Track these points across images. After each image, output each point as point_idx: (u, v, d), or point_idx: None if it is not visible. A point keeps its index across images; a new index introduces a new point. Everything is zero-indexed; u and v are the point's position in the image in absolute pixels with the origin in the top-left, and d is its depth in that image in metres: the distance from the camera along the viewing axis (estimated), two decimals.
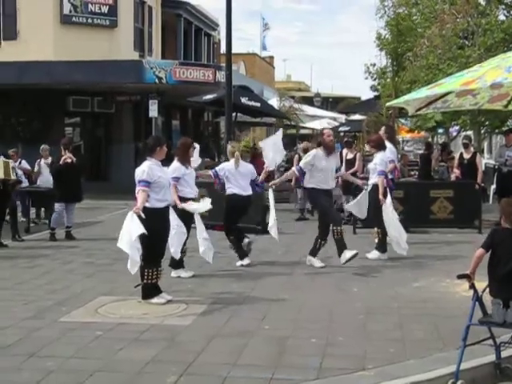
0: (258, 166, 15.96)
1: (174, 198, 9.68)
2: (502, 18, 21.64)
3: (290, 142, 38.73)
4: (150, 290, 8.43)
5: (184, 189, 9.99)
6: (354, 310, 7.99)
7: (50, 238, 13.73)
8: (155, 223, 8.19)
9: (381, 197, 11.24)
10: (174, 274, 9.96)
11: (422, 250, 11.86)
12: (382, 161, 11.59)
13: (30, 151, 22.62)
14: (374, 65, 26.00)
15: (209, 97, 22.10)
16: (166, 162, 9.08)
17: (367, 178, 12.29)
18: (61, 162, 13.66)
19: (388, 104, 15.39)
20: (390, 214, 11.15)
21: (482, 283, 5.95)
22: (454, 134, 31.10)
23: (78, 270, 10.65)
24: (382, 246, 11.46)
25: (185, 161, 10.15)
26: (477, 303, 5.88)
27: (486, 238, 6.01)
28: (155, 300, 8.38)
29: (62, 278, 10.08)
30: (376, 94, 28.00)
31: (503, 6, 21.75)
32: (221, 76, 23.06)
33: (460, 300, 8.01)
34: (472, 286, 5.89)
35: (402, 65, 23.27)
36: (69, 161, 13.70)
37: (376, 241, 11.58)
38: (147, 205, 8.26)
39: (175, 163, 10.11)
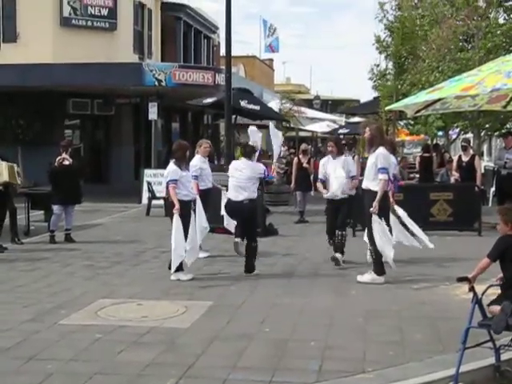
0: None
1: (174, 200, 9.77)
2: (501, 21, 21.65)
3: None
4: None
5: (180, 191, 10.00)
6: (353, 313, 7.98)
7: (50, 240, 13.71)
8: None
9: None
10: (173, 277, 9.95)
11: (421, 253, 11.84)
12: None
13: (31, 153, 22.76)
14: (378, 65, 26.08)
15: (208, 100, 22.11)
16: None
17: None
18: (56, 164, 13.63)
19: (387, 108, 15.40)
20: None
21: (481, 286, 5.95)
22: (454, 136, 31.12)
23: (78, 273, 10.64)
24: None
25: (181, 163, 10.18)
26: (476, 306, 5.89)
27: (493, 247, 6.00)
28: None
29: (62, 280, 10.07)
30: (376, 95, 28.00)
31: (503, 8, 21.74)
32: (220, 79, 23.09)
33: (459, 303, 8.00)
34: (471, 289, 5.90)
35: (403, 67, 23.29)
36: (66, 163, 13.67)
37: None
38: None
39: (172, 166, 10.13)
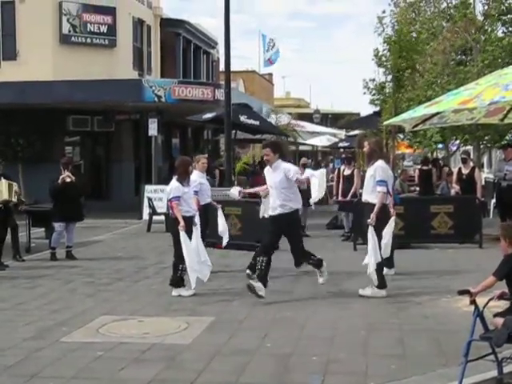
0: (258, 183, 16.18)
1: (178, 217, 9.79)
2: (500, 34, 21.69)
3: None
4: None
5: (182, 208, 10.02)
6: (355, 327, 7.97)
7: (51, 257, 13.71)
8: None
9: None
10: (174, 292, 9.95)
11: (422, 266, 11.84)
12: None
13: (31, 171, 22.79)
14: (373, 80, 26.14)
15: (208, 115, 22.16)
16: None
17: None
18: (59, 181, 13.66)
19: (386, 123, 15.45)
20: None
21: (482, 299, 5.95)
22: (454, 148, 31.13)
23: (79, 290, 10.63)
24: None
25: (183, 179, 10.20)
26: (478, 319, 5.88)
27: (499, 266, 6.00)
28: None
29: (63, 297, 10.07)
30: (376, 110, 28.04)
31: (502, 22, 21.80)
32: (220, 94, 23.14)
33: (461, 315, 7.99)
34: (473, 302, 5.89)
35: (401, 81, 23.33)
36: (68, 180, 13.70)
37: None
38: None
39: (174, 182, 10.15)
